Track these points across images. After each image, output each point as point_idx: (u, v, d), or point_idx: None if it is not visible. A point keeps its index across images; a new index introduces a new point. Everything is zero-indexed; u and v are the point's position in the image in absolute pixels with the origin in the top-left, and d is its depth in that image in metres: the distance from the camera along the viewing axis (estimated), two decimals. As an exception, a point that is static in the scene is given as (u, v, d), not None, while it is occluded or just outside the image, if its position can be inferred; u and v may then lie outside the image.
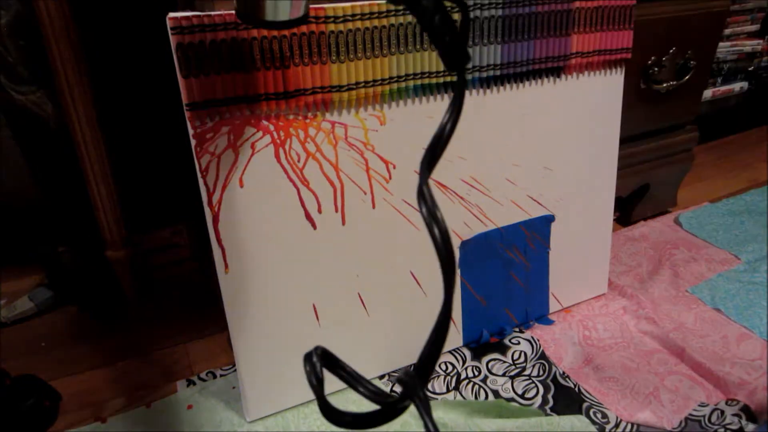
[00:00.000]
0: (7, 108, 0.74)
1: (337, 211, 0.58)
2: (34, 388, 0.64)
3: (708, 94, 1.32)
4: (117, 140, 0.79)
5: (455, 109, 0.28)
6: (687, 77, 0.87)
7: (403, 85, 0.57)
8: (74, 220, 0.82)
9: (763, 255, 0.89)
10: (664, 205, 1.04)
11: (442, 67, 0.58)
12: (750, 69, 1.36)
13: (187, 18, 0.46)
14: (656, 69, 0.84)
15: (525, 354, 0.71)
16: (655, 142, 0.94)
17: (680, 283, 0.83)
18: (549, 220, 0.73)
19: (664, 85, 0.86)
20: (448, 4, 0.30)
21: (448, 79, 0.59)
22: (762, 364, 0.67)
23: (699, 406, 0.63)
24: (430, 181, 0.62)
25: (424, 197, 0.26)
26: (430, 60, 0.57)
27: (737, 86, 1.36)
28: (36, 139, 0.78)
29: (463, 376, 0.68)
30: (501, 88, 0.63)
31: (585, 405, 0.64)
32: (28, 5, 0.65)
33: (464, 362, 0.70)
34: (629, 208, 1.01)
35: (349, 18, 0.52)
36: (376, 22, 0.53)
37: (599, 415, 0.62)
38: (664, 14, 0.81)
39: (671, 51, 0.85)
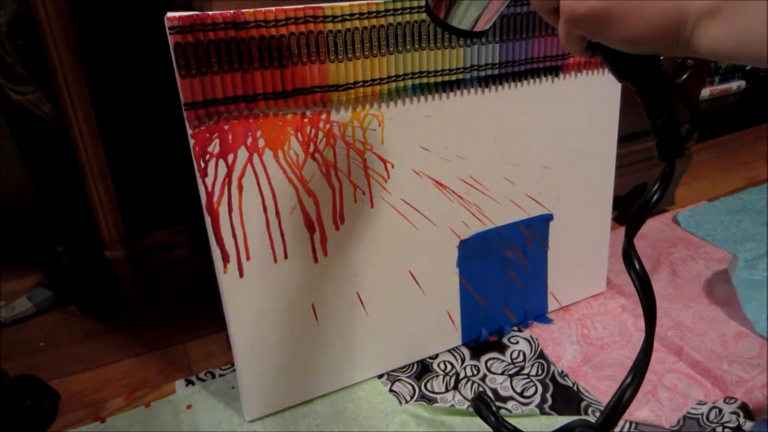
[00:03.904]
0: (5, 108, 0.74)
1: (335, 210, 0.59)
2: (33, 388, 0.64)
3: (706, 92, 1.32)
4: (116, 140, 0.79)
5: (663, 188, 0.34)
6: (685, 76, 0.87)
7: (401, 84, 0.57)
8: (73, 220, 0.82)
9: (761, 253, 0.89)
10: (663, 203, 1.05)
11: (439, 66, 0.58)
12: (747, 68, 1.37)
13: (185, 18, 0.46)
14: (654, 68, 0.84)
15: (524, 353, 0.71)
16: (653, 141, 0.94)
17: (678, 282, 0.84)
18: (547, 219, 0.73)
19: (662, 84, 0.86)
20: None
21: (446, 78, 0.59)
22: (760, 362, 0.67)
23: (697, 404, 0.63)
24: (430, 181, 0.62)
25: (631, 259, 0.32)
26: (428, 59, 0.58)
27: (735, 85, 1.37)
28: (35, 139, 0.78)
29: (461, 375, 0.68)
30: (499, 87, 0.63)
31: (584, 403, 0.64)
32: (27, 5, 0.65)
33: (463, 361, 0.70)
34: (627, 207, 1.01)
35: (348, 17, 0.52)
36: (374, 22, 0.53)
37: (598, 414, 0.62)
38: (662, 13, 0.81)
39: (669, 50, 0.85)
